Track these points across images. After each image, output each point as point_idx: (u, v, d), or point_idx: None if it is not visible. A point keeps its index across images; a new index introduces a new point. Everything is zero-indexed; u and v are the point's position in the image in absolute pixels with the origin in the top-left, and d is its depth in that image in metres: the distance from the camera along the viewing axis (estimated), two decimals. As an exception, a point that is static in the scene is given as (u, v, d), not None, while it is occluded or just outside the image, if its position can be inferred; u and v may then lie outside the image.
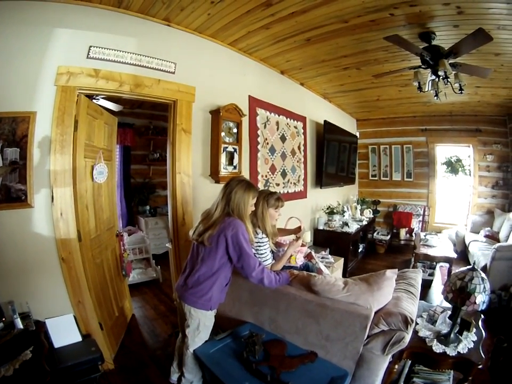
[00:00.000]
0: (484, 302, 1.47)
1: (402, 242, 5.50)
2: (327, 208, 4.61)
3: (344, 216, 4.76)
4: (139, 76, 2.29)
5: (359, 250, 4.95)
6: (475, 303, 1.46)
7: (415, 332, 1.75)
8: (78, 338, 1.93)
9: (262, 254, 2.10)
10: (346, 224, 4.44)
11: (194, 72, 2.64)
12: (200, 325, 1.77)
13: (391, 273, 1.86)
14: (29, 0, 1.88)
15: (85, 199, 2.24)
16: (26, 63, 1.89)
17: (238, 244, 1.67)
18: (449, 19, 2.10)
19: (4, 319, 1.74)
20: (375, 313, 1.65)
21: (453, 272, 3.40)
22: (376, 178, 6.25)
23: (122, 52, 2.21)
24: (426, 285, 3.26)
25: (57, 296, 2.02)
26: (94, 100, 3.11)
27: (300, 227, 2.40)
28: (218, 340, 1.88)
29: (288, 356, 1.72)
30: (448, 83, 2.27)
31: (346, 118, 5.84)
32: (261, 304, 2.06)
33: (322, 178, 4.46)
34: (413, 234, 5.30)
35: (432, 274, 3.64)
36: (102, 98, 3.16)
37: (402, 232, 5.44)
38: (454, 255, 3.51)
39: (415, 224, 5.56)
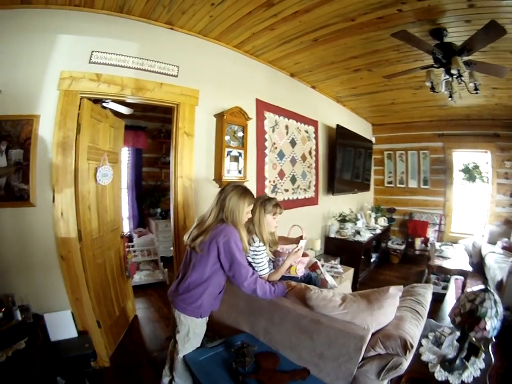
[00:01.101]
0: (494, 328, 1.29)
1: (417, 252, 5.18)
2: (339, 216, 4.42)
3: (356, 224, 4.53)
4: (141, 80, 2.27)
5: (372, 260, 4.71)
6: (485, 329, 1.28)
7: (418, 355, 1.58)
8: (74, 334, 1.94)
9: (258, 263, 1.98)
10: (358, 232, 4.24)
11: (198, 75, 2.59)
12: (190, 332, 1.71)
13: (395, 291, 1.67)
14: (32, 8, 1.92)
15: (87, 200, 2.25)
16: (31, 68, 1.93)
17: (229, 251, 1.59)
18: (460, 13, 1.92)
19: (3, 309, 1.78)
20: (373, 334, 1.50)
21: (466, 287, 3.16)
22: (392, 185, 5.94)
23: (124, 56, 2.20)
24: (440, 299, 3.01)
25: (56, 293, 2.03)
26: (103, 103, 3.14)
27: (301, 236, 2.26)
28: (210, 348, 1.80)
29: (280, 370, 1.62)
30: (462, 82, 2.07)
31: (361, 123, 5.61)
32: (256, 314, 1.96)
33: (335, 185, 4.27)
34: (428, 244, 4.99)
35: (446, 288, 3.38)
36: (112, 101, 3.18)
37: (418, 242, 5.12)
38: (469, 268, 3.24)
39: (431, 233, 5.24)
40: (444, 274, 3.40)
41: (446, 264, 3.32)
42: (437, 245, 4.00)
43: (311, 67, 3.24)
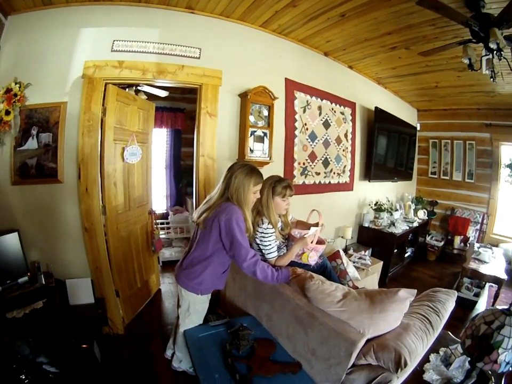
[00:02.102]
0: (508, 364, 1.01)
1: (455, 251, 4.57)
2: (375, 204, 4.02)
3: (392, 214, 4.09)
4: (162, 63, 2.23)
5: (406, 255, 4.25)
6: (496, 362, 1.01)
7: (421, 371, 1.37)
8: (91, 300, 2.06)
9: (266, 246, 1.86)
10: (393, 223, 3.85)
11: (221, 56, 2.46)
12: (190, 308, 1.70)
13: (405, 295, 1.44)
14: (54, 8, 2.02)
15: (113, 177, 2.32)
16: (57, 61, 2.04)
17: (230, 230, 1.51)
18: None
19: (29, 274, 1.96)
20: (370, 340, 1.32)
21: (499, 298, 2.66)
22: (435, 176, 5.22)
23: (145, 42, 2.19)
24: (470, 306, 2.61)
25: (78, 261, 2.18)
26: (138, 87, 3.19)
27: (317, 223, 2.05)
28: (212, 326, 1.79)
29: (272, 360, 1.55)
30: (503, 59, 1.63)
31: (406, 108, 4.95)
32: (261, 299, 1.90)
33: (371, 171, 3.87)
34: (467, 244, 4.36)
35: (478, 295, 2.92)
36: (146, 85, 3.20)
37: (457, 240, 4.49)
38: (504, 276, 2.74)
39: (472, 232, 4.56)
40: (478, 279, 2.93)
41: (481, 268, 2.86)
42: (476, 246, 3.46)
43: (344, 45, 2.88)
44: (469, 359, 1.26)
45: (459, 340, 1.52)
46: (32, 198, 2.06)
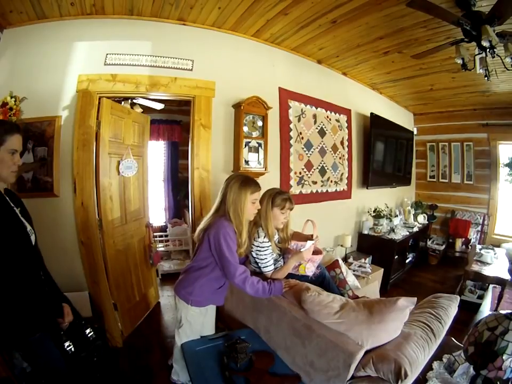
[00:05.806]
0: None
1: (457, 254, 4.51)
2: (374, 211, 3.97)
3: (392, 220, 4.05)
4: (154, 76, 2.25)
5: (408, 260, 4.18)
6: (501, 368, 0.98)
7: (422, 381, 1.32)
8: (89, 313, 2.04)
9: (262, 259, 1.83)
10: (393, 230, 3.80)
11: (214, 67, 2.47)
12: (182, 317, 1.67)
13: (405, 303, 1.39)
14: (48, 22, 2.05)
15: (108, 191, 2.31)
16: (50, 75, 2.07)
17: (218, 246, 1.50)
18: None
19: None
20: (369, 351, 1.28)
21: (503, 299, 2.59)
22: (434, 179, 5.21)
23: (138, 55, 2.21)
24: (474, 309, 2.55)
25: (76, 274, 2.16)
26: (134, 100, 3.21)
27: (312, 235, 2.00)
28: (210, 339, 1.74)
29: (271, 372, 1.51)
30: (496, 56, 1.64)
31: (402, 112, 4.97)
32: (258, 311, 1.86)
33: (369, 177, 3.83)
34: (469, 246, 4.30)
35: (481, 297, 2.85)
36: (141, 98, 3.22)
37: (458, 243, 4.44)
38: (507, 277, 2.67)
39: (473, 234, 4.51)
40: (481, 281, 2.87)
41: (484, 270, 2.80)
42: (478, 247, 3.40)
43: (337, 52, 2.90)
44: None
45: (463, 346, 1.48)
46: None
